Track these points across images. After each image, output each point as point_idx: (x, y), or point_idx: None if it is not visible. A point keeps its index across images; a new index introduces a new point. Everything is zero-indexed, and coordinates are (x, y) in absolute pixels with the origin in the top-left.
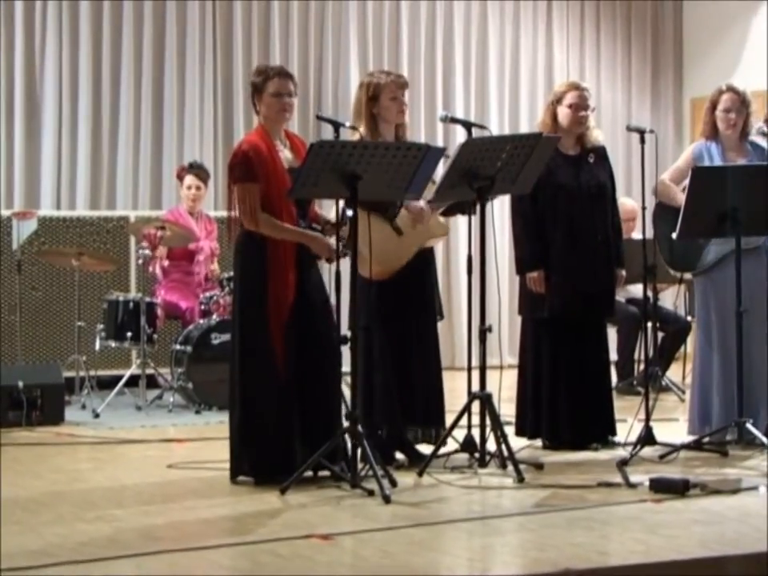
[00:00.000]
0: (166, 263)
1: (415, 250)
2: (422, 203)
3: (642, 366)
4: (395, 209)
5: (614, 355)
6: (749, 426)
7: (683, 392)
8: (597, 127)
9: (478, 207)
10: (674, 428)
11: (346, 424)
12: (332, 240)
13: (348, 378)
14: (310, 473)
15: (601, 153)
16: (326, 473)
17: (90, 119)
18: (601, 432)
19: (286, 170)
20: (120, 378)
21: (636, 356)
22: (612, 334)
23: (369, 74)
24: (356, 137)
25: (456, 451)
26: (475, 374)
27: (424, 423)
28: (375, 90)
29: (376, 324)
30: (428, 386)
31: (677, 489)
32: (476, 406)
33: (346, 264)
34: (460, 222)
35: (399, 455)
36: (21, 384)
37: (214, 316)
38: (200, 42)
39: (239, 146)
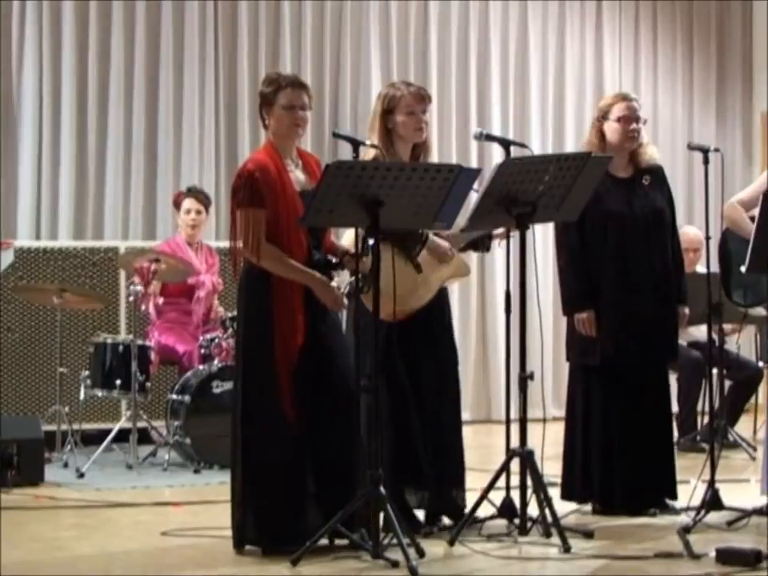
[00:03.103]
0: (160, 301)
1: (436, 289)
2: (446, 242)
3: (706, 419)
4: (418, 242)
5: (674, 407)
6: None
7: (754, 449)
8: (651, 144)
9: (513, 239)
10: (743, 490)
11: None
12: (344, 278)
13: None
14: (325, 541)
15: (657, 174)
16: (343, 541)
17: (73, 137)
18: (660, 495)
19: (297, 194)
20: (108, 432)
21: (699, 407)
22: (672, 382)
23: (389, 84)
24: (371, 155)
25: (493, 517)
26: (515, 428)
27: (439, 484)
28: (391, 102)
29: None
30: (444, 441)
31: (747, 560)
32: (515, 465)
33: None
34: (497, 253)
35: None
36: None
37: (216, 361)
38: (200, 47)
39: (244, 166)
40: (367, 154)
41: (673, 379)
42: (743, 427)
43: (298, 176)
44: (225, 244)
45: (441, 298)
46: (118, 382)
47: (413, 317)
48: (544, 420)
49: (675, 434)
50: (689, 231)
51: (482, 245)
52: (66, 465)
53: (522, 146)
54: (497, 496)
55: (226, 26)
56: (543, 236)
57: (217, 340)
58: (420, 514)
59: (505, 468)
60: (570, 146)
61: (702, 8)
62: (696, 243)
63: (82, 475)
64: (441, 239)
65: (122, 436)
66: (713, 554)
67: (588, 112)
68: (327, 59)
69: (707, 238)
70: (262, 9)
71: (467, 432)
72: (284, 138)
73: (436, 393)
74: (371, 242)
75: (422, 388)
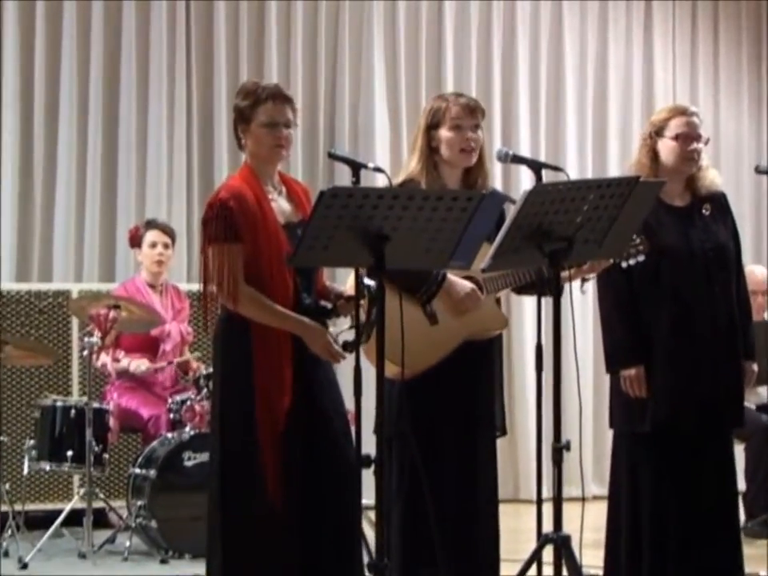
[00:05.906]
0: (120, 355)
1: (454, 345)
2: (468, 285)
3: None
4: (431, 286)
5: (740, 483)
6: None
7: None
8: (713, 167)
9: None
10: None
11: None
12: (341, 327)
13: (372, 514)
14: None
15: (719, 202)
16: None
17: (16, 160)
18: None
19: (280, 226)
20: (57, 514)
21: None
22: (738, 453)
23: (436, 95)
24: (398, 181)
25: None
26: (548, 509)
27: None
28: (435, 115)
29: (396, 438)
30: (475, 524)
31: None
32: (549, 553)
33: None
34: (525, 298)
35: None
36: None
37: (187, 428)
38: (168, 54)
39: (216, 194)
40: (377, 181)
41: (739, 450)
42: None
43: (281, 205)
44: (196, 286)
45: (481, 353)
46: (70, 453)
47: (425, 374)
48: (583, 499)
49: (742, 516)
50: (755, 271)
51: (546, 286)
52: (6, 553)
53: (556, 169)
54: None
55: (199, 28)
56: None
57: (189, 402)
58: None
59: (536, 557)
60: (614, 170)
61: None
62: (764, 285)
63: (25, 566)
64: (465, 281)
65: (74, 519)
66: None
67: (635, 129)
68: (321, 67)
69: None
70: (243, 8)
71: None
72: (264, 161)
73: (460, 468)
74: (370, 282)
75: (441, 460)
